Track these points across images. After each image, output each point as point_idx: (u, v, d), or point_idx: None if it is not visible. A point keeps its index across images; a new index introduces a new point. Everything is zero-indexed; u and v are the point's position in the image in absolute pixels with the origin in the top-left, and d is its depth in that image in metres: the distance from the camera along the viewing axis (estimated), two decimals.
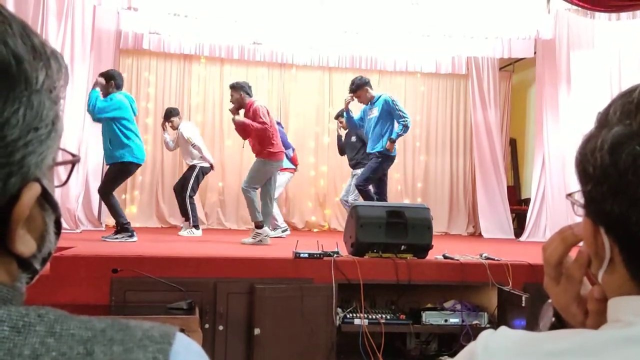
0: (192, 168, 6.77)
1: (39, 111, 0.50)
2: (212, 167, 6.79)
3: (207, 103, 8.94)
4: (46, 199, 0.53)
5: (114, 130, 5.34)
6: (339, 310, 3.88)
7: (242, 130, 5.62)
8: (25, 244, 0.51)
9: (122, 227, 5.35)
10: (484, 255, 4.32)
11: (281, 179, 6.84)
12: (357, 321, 3.85)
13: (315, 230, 8.94)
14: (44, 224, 0.54)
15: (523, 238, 7.83)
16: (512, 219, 8.79)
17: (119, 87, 5.48)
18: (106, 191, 5.44)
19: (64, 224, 5.82)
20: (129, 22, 7.75)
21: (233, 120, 5.65)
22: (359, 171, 6.63)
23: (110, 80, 5.45)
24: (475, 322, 3.96)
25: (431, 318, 3.95)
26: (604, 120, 0.63)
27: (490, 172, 8.80)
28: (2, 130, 0.47)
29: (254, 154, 5.75)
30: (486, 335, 0.63)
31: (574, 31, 7.38)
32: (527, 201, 8.63)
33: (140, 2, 6.60)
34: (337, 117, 7.50)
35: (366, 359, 3.73)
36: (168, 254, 4.03)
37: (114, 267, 3.63)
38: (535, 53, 8.25)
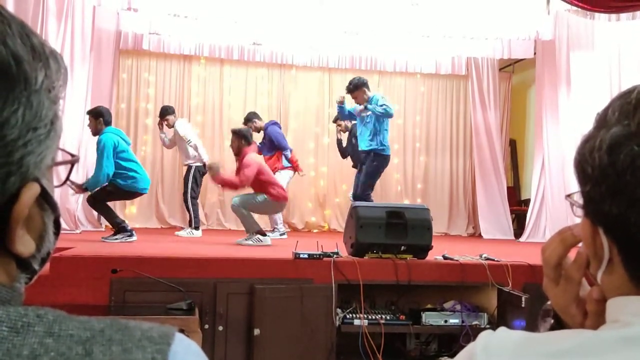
0: (188, 170, 6.79)
1: (38, 111, 0.50)
2: (204, 166, 6.74)
3: (206, 104, 8.94)
4: (45, 199, 0.53)
5: (117, 166, 5.32)
6: (339, 310, 3.88)
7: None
8: (24, 244, 0.51)
9: (119, 228, 5.36)
10: (483, 255, 4.32)
11: (281, 179, 6.84)
12: (356, 322, 3.85)
13: (315, 230, 8.94)
14: (43, 224, 0.54)
15: (523, 239, 7.83)
16: (511, 219, 8.79)
17: (107, 123, 5.47)
18: (96, 202, 5.46)
19: (64, 225, 5.81)
20: (128, 22, 7.75)
21: (213, 177, 5.59)
22: None
23: (99, 118, 5.45)
24: (475, 322, 3.96)
25: (431, 319, 3.95)
26: (602, 120, 0.63)
27: (490, 172, 8.81)
28: (2, 129, 0.48)
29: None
30: (485, 336, 0.63)
31: (573, 32, 7.39)
32: (526, 202, 8.63)
33: (140, 3, 6.61)
34: (335, 121, 7.51)
35: (366, 359, 3.73)
36: (168, 254, 4.04)
37: (114, 267, 3.63)
38: (535, 54, 8.25)
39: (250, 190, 5.70)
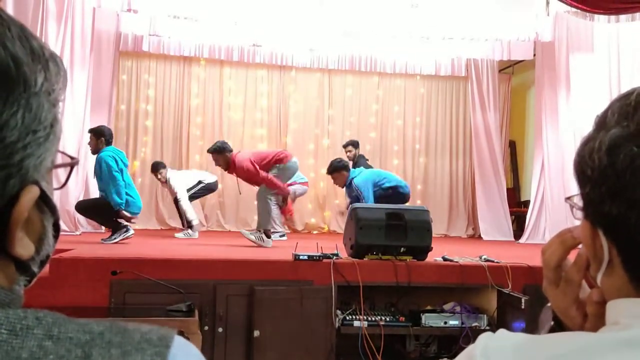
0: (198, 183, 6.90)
1: (37, 114, 0.50)
2: (216, 184, 6.94)
3: (206, 105, 8.95)
4: (45, 202, 0.53)
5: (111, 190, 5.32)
6: (339, 312, 3.88)
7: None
8: (23, 247, 0.51)
9: (113, 226, 5.37)
10: (483, 257, 4.32)
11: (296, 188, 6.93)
12: (356, 323, 3.84)
13: (314, 232, 8.94)
14: (42, 226, 0.54)
15: (522, 240, 7.83)
16: (511, 221, 8.79)
17: (108, 143, 5.48)
18: (86, 210, 5.47)
19: (63, 226, 5.81)
20: (128, 24, 7.76)
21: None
22: None
23: (101, 137, 5.46)
24: (474, 324, 3.96)
25: (431, 320, 3.95)
26: (602, 122, 0.63)
27: (490, 174, 8.81)
28: (1, 132, 0.47)
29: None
30: (485, 338, 0.63)
31: (573, 33, 7.39)
32: (526, 203, 8.63)
33: (140, 4, 6.61)
34: (345, 147, 7.51)
35: None
36: (167, 256, 4.03)
37: (114, 269, 3.63)
38: (534, 55, 8.26)
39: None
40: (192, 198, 6.84)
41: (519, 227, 8.81)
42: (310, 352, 3.74)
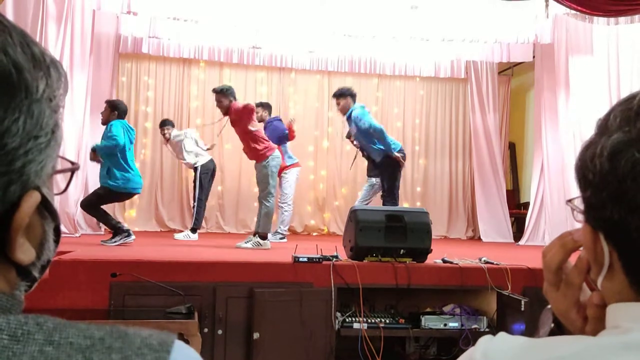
0: (195, 171, 6.84)
1: (39, 120, 0.51)
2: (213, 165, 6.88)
3: (206, 107, 8.94)
4: (46, 207, 0.53)
5: (116, 159, 5.35)
6: (338, 314, 3.88)
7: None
8: (24, 252, 0.51)
9: (115, 230, 5.37)
10: (483, 259, 4.32)
11: (290, 180, 6.88)
12: (356, 325, 3.84)
13: (314, 234, 8.94)
14: (43, 232, 0.54)
15: (522, 242, 7.83)
16: (511, 223, 8.79)
17: (120, 117, 5.53)
18: (90, 206, 5.48)
19: (63, 229, 5.82)
20: (128, 26, 7.77)
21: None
22: (374, 179, 6.69)
23: (114, 111, 5.53)
24: (474, 326, 3.96)
25: (430, 322, 3.95)
26: (603, 127, 0.63)
27: (490, 176, 8.81)
28: (3, 138, 0.48)
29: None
30: (485, 342, 0.63)
31: (572, 35, 7.40)
32: (526, 205, 8.63)
33: (140, 6, 6.62)
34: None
35: None
36: (167, 258, 4.03)
37: (113, 271, 3.63)
38: (534, 57, 8.26)
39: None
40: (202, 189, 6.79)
41: (518, 229, 8.81)
42: (309, 354, 3.74)
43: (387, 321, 3.93)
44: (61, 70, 0.55)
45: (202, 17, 6.96)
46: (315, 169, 9.20)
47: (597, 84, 6.99)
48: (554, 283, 0.72)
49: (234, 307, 3.72)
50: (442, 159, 9.54)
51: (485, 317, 4.01)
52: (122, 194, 5.57)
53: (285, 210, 6.85)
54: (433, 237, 4.33)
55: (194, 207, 6.72)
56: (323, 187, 9.21)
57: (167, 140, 7.14)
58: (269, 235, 5.69)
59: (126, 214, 8.33)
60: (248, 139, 5.56)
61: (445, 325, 3.96)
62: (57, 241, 0.56)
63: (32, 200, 0.50)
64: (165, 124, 7.19)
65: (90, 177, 7.19)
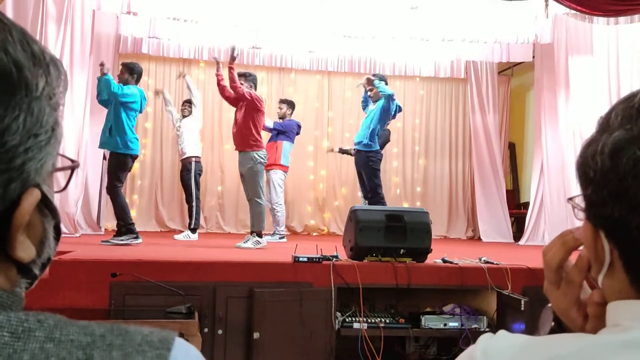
0: (188, 169, 6.79)
1: (39, 118, 0.51)
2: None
3: (206, 107, 8.92)
4: (46, 205, 0.53)
5: (121, 118, 5.30)
6: (338, 314, 3.88)
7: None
8: (25, 250, 0.51)
9: (127, 229, 5.31)
10: (483, 259, 4.32)
11: (276, 179, 6.88)
12: (356, 325, 3.84)
13: (314, 234, 8.94)
14: (43, 229, 0.54)
15: (522, 242, 7.83)
16: (511, 222, 8.79)
17: (137, 82, 5.56)
18: (113, 188, 5.35)
19: (63, 228, 5.80)
20: (128, 26, 7.77)
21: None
22: None
23: (133, 74, 5.54)
24: (474, 325, 3.96)
25: (430, 322, 3.95)
26: (605, 124, 0.63)
27: (489, 176, 8.82)
28: (3, 136, 0.48)
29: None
30: (485, 340, 0.63)
31: (572, 35, 7.40)
32: (526, 205, 8.64)
33: (140, 7, 6.62)
34: (340, 152, 7.66)
35: None
36: (167, 258, 4.03)
37: (113, 271, 3.62)
38: (533, 57, 8.27)
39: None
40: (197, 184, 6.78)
41: (518, 228, 8.82)
42: (309, 354, 3.74)
43: (387, 321, 3.92)
44: (61, 68, 0.55)
45: (202, 17, 6.96)
46: (315, 169, 9.20)
47: (597, 83, 6.99)
48: (555, 281, 0.72)
49: (234, 307, 3.72)
50: (442, 159, 9.54)
51: (485, 317, 4.01)
52: (125, 156, 5.38)
53: (278, 212, 6.85)
54: (433, 237, 4.33)
55: (192, 207, 6.68)
56: (323, 187, 9.21)
57: (183, 117, 7.02)
58: (269, 237, 5.69)
59: None
60: (250, 125, 5.57)
61: (445, 325, 3.96)
62: (57, 239, 0.56)
63: (32, 197, 0.50)
64: (190, 102, 7.07)
65: (90, 176, 7.20)
